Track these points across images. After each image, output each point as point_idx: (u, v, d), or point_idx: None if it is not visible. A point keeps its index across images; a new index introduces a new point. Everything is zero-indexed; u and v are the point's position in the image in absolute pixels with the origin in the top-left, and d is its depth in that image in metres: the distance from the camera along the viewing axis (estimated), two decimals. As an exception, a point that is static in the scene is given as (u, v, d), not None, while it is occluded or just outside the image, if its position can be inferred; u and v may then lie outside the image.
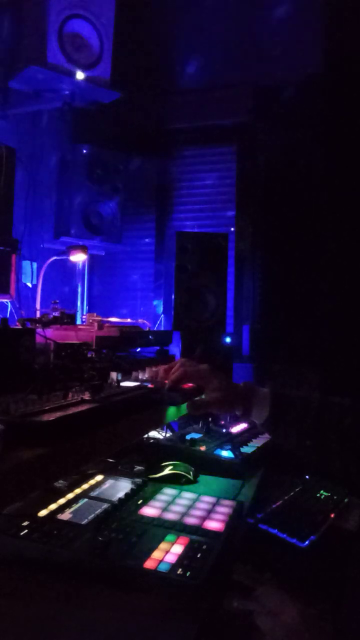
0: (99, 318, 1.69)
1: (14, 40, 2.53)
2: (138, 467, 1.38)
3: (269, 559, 1.01)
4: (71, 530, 0.97)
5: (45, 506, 1.07)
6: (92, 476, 1.26)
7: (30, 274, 2.69)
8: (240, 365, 2.73)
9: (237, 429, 1.70)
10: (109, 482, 1.24)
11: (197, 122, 3.10)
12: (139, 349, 1.71)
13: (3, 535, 0.95)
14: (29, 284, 2.66)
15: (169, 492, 1.21)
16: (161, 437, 1.66)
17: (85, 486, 1.20)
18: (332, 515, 1.20)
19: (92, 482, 1.23)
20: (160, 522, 1.03)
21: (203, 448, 1.47)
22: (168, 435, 1.69)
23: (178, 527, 1.01)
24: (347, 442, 1.00)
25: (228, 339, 2.54)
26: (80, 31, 2.48)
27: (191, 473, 1.32)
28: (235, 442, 1.53)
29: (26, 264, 2.64)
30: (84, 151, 2.75)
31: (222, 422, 1.76)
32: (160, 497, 1.17)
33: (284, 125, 2.87)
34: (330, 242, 2.74)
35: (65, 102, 2.59)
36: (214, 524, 1.03)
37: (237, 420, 1.78)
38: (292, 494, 1.31)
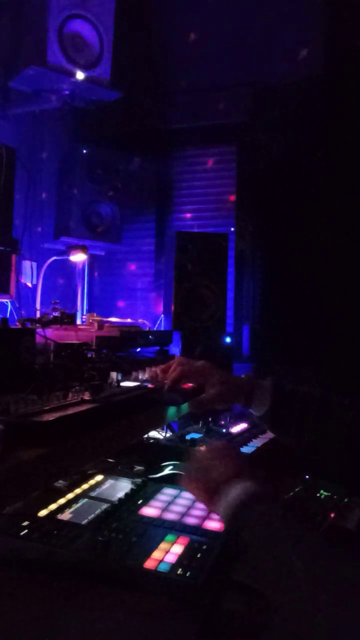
0: (99, 318, 1.69)
1: (14, 40, 2.53)
2: (138, 467, 1.38)
3: (269, 559, 1.01)
4: (71, 530, 0.97)
5: (45, 506, 1.07)
6: (92, 476, 1.26)
7: (30, 274, 2.70)
8: (240, 365, 2.73)
9: (237, 429, 1.70)
10: (109, 482, 1.24)
11: (197, 122, 3.10)
12: (139, 349, 1.71)
13: (3, 535, 0.95)
14: (29, 284, 2.66)
15: (169, 492, 1.21)
16: (161, 437, 1.66)
17: (85, 486, 1.20)
18: (332, 515, 1.20)
19: (92, 482, 1.23)
20: (160, 522, 1.03)
21: (203, 448, 1.47)
22: (168, 435, 1.69)
23: (178, 527, 1.01)
24: (347, 439, 1.00)
25: (228, 339, 2.54)
26: (80, 31, 2.48)
27: (191, 473, 1.32)
28: (235, 442, 1.53)
29: (26, 264, 2.64)
30: (84, 151, 2.75)
31: (222, 422, 1.76)
32: (160, 497, 1.17)
33: (284, 125, 2.86)
34: (330, 242, 2.73)
35: (65, 102, 2.59)
36: (214, 524, 1.03)
37: (237, 420, 1.78)
38: (292, 494, 1.31)
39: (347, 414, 1.01)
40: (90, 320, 1.68)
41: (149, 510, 1.09)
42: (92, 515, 1.04)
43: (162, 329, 2.72)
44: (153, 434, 1.67)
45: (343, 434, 1.00)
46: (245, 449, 1.49)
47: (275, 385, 1.09)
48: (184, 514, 1.08)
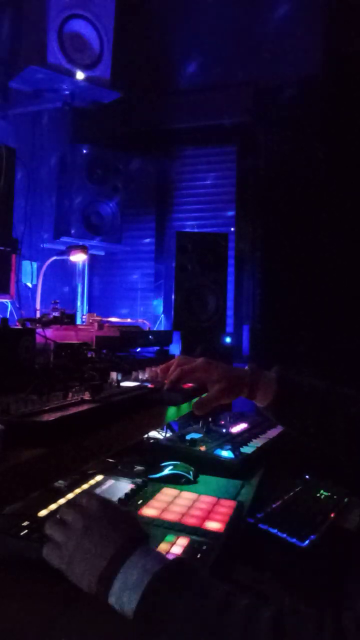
0: (99, 318, 1.69)
1: (14, 40, 2.53)
2: (138, 467, 1.38)
3: (269, 559, 1.01)
4: (71, 530, 0.97)
5: (45, 506, 1.07)
6: (92, 476, 1.26)
7: (30, 274, 2.70)
8: (240, 365, 2.73)
9: (237, 429, 1.70)
10: (109, 482, 1.24)
11: (197, 122, 3.10)
12: (139, 349, 1.71)
13: (3, 535, 0.95)
14: (29, 284, 2.66)
15: (168, 492, 1.21)
16: (161, 437, 1.66)
17: (85, 486, 1.20)
18: (332, 515, 1.20)
19: (92, 482, 1.23)
20: (160, 522, 1.03)
21: (203, 448, 1.47)
22: (168, 435, 1.69)
23: (178, 528, 1.01)
24: (352, 431, 0.99)
25: (228, 339, 2.54)
26: (80, 31, 2.48)
27: (191, 473, 1.32)
28: (235, 442, 1.53)
29: (26, 264, 2.64)
30: (84, 151, 2.75)
31: (222, 422, 1.76)
32: (160, 497, 1.17)
33: (284, 125, 2.87)
34: (330, 242, 2.74)
35: (65, 102, 2.59)
36: (214, 524, 1.03)
37: (237, 420, 1.78)
38: (292, 494, 1.31)
39: (352, 405, 1.01)
40: (90, 320, 1.68)
41: (149, 511, 1.09)
42: (92, 515, 1.04)
43: (162, 329, 2.72)
44: (153, 434, 1.67)
45: (349, 423, 0.99)
46: (245, 449, 1.49)
47: (280, 376, 1.08)
48: (184, 514, 1.08)
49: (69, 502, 0.83)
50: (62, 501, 1.10)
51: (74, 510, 0.79)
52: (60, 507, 0.82)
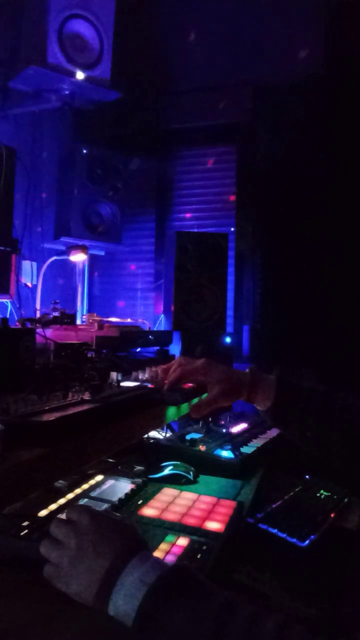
0: (99, 318, 1.69)
1: (14, 40, 2.53)
2: (138, 467, 1.38)
3: (269, 559, 1.01)
4: (71, 530, 0.97)
5: (45, 506, 1.07)
6: (92, 476, 1.26)
7: (30, 274, 2.70)
8: (240, 365, 2.73)
9: (237, 429, 1.70)
10: (109, 482, 1.24)
11: (197, 122, 3.10)
12: (139, 349, 1.71)
13: (3, 535, 0.95)
14: (29, 284, 2.66)
15: (169, 492, 1.21)
16: (161, 437, 1.66)
17: (85, 486, 1.20)
18: (332, 515, 1.20)
19: (92, 482, 1.23)
20: (160, 523, 1.03)
21: (203, 448, 1.47)
22: (168, 435, 1.69)
23: (178, 528, 1.01)
24: (349, 436, 0.99)
25: (228, 339, 2.54)
26: (80, 31, 2.48)
27: (191, 473, 1.32)
28: (235, 442, 1.53)
29: (26, 264, 2.65)
30: (84, 151, 2.75)
31: (222, 422, 1.76)
32: (160, 497, 1.17)
33: (284, 125, 2.87)
34: (330, 242, 2.74)
35: (65, 102, 2.59)
36: (214, 524, 1.03)
37: (237, 420, 1.78)
38: (292, 494, 1.31)
39: (349, 411, 1.01)
40: (90, 320, 1.68)
41: (149, 511, 1.09)
42: (92, 516, 1.04)
43: (162, 329, 2.72)
44: (153, 434, 1.67)
45: (346, 429, 0.99)
46: (245, 449, 1.49)
47: (279, 379, 1.08)
48: (184, 514, 1.08)
49: (60, 518, 0.82)
50: (62, 501, 1.10)
51: (65, 528, 0.78)
52: (52, 523, 0.81)
